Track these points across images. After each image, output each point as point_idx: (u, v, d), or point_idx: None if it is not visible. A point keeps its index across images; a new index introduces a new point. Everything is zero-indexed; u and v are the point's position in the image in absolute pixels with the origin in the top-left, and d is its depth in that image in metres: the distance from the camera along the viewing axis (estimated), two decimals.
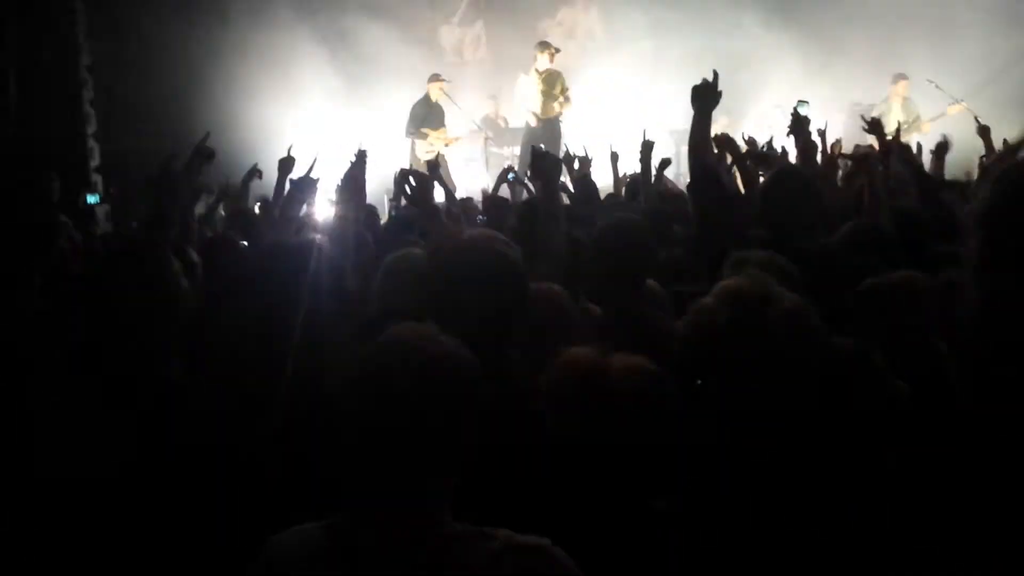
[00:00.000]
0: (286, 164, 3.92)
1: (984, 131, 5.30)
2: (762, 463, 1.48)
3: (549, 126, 9.92)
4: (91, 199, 8.67)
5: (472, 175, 10.82)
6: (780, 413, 1.47)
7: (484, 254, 2.00)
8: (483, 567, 1.35)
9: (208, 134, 3.56)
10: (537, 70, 10.01)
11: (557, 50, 10.17)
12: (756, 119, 11.38)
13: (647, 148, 4.75)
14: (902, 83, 9.99)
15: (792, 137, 4.23)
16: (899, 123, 9.52)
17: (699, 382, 1.56)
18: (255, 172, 4.88)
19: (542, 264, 2.76)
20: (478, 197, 6.38)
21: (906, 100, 10.03)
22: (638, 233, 2.88)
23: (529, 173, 3.62)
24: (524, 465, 1.72)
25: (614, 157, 5.80)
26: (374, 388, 1.39)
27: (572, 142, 10.45)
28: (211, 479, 1.90)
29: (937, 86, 9.68)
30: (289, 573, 1.40)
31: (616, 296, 2.80)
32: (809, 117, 4.36)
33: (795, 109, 4.37)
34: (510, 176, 5.90)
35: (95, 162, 10.44)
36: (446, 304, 1.92)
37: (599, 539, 1.55)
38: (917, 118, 9.88)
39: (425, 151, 10.02)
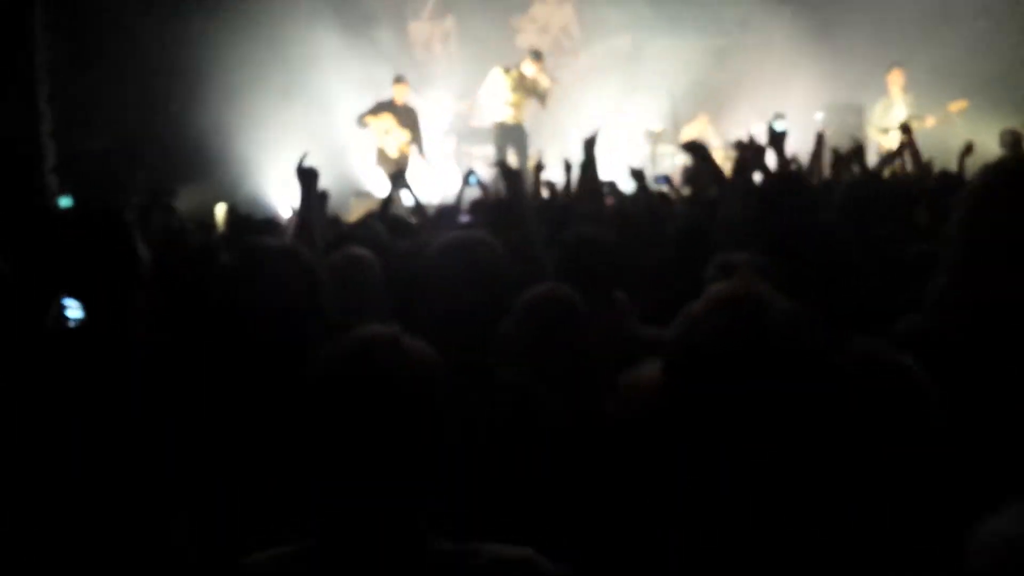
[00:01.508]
0: (309, 175, 3.67)
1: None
2: (759, 469, 1.41)
3: (518, 128, 9.74)
4: (64, 201, 8.35)
5: (444, 173, 10.60)
6: (776, 420, 1.41)
7: (469, 253, 2.07)
8: None
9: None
10: (522, 73, 9.74)
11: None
12: (732, 116, 11.26)
13: (590, 144, 4.55)
14: (896, 72, 9.73)
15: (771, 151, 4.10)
16: (909, 116, 9.47)
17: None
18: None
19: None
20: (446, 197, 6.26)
21: (905, 90, 9.82)
22: (601, 247, 2.84)
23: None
24: (520, 464, 1.78)
25: (567, 166, 5.61)
26: (336, 393, 1.33)
27: (543, 143, 10.37)
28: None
29: (920, 87, 9.61)
30: None
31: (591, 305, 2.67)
32: (786, 132, 4.16)
33: (771, 125, 4.19)
34: (471, 179, 5.73)
35: (51, 162, 10.10)
36: (431, 304, 2.04)
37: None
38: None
39: (378, 136, 9.77)
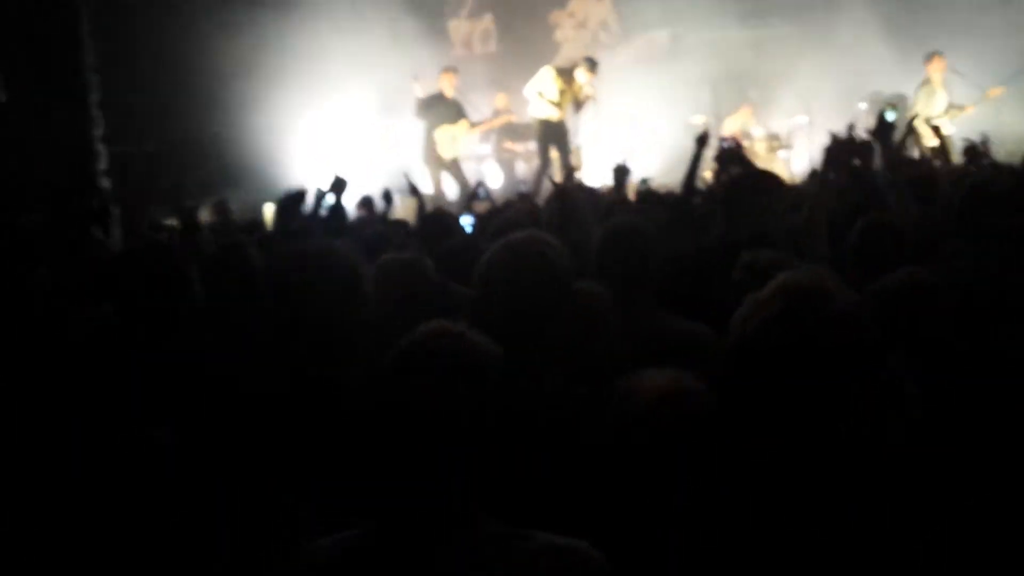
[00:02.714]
0: (340, 185, 4.06)
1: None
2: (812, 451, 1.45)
3: (560, 125, 9.74)
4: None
5: (484, 171, 10.65)
6: (825, 410, 1.44)
7: (525, 255, 2.06)
8: (521, 567, 1.36)
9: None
10: (574, 77, 9.73)
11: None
12: (775, 107, 11.17)
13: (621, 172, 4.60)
14: (937, 60, 9.55)
15: (878, 142, 3.93)
16: (949, 105, 9.33)
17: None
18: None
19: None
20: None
21: (946, 79, 9.65)
22: (639, 238, 2.80)
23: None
24: (553, 464, 1.79)
25: (623, 171, 5.60)
26: (400, 384, 1.40)
27: (587, 139, 10.36)
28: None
29: (962, 75, 9.46)
30: None
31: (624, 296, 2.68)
32: (895, 123, 4.03)
33: (882, 113, 4.05)
34: (481, 192, 5.87)
35: (102, 165, 10.33)
36: (486, 303, 2.05)
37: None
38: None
39: (445, 147, 9.85)
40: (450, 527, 1.38)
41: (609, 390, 1.82)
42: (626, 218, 3.00)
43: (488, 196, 6.09)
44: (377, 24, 10.68)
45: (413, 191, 5.45)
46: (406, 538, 1.39)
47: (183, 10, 10.21)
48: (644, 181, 7.30)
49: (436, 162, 9.88)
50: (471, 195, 5.97)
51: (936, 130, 5.96)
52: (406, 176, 5.97)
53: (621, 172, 5.06)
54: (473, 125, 10.18)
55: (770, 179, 3.26)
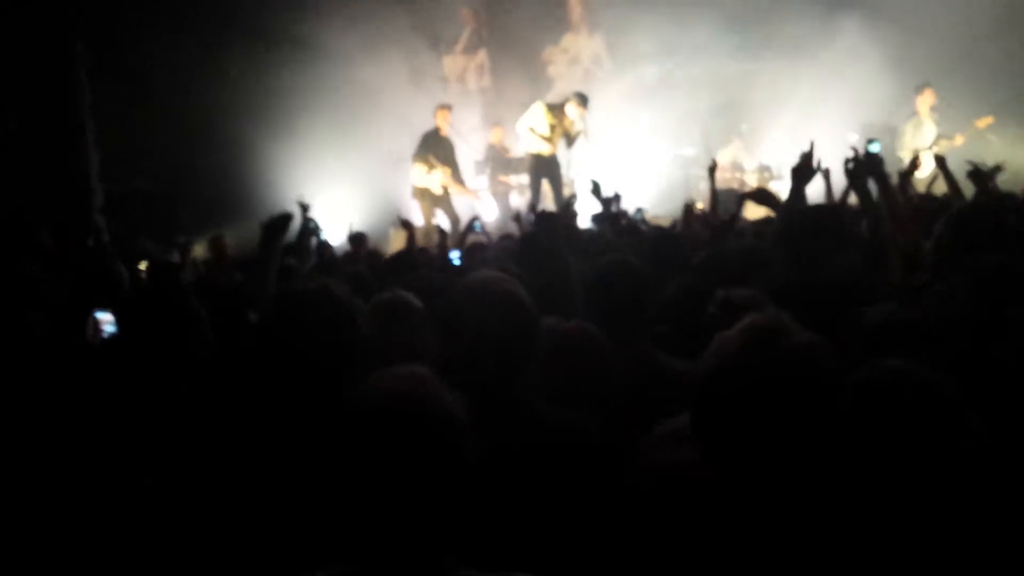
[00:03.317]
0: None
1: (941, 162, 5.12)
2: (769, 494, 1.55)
3: (552, 159, 9.84)
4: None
5: (477, 205, 10.73)
6: (788, 441, 1.53)
7: (492, 293, 2.10)
8: None
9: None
10: (564, 112, 9.84)
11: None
12: (765, 139, 11.28)
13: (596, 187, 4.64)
14: (928, 92, 9.73)
15: (872, 180, 3.68)
16: (938, 136, 9.43)
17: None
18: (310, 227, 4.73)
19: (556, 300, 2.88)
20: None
21: (933, 111, 9.80)
22: (633, 274, 2.80)
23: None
24: (536, 496, 1.81)
25: (616, 197, 5.66)
26: (363, 433, 1.42)
27: (582, 173, 10.44)
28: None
29: (951, 106, 9.58)
30: None
31: (618, 336, 2.69)
32: (882, 156, 3.85)
33: (867, 150, 3.93)
34: (476, 226, 5.94)
35: (99, 202, 10.40)
36: (458, 343, 2.07)
37: None
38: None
39: (419, 178, 9.95)
40: (422, 572, 1.40)
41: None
42: (619, 256, 2.97)
43: (482, 230, 6.18)
44: (374, 60, 10.81)
45: (404, 224, 5.53)
46: None
47: (180, 47, 10.32)
48: (639, 211, 7.35)
49: (427, 197, 9.97)
50: (466, 229, 6.04)
51: (939, 161, 5.95)
52: (397, 211, 6.07)
53: (608, 200, 5.09)
54: (454, 180, 10.21)
55: (830, 216, 3.13)
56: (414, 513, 1.40)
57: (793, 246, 2.97)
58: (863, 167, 3.48)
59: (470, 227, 5.94)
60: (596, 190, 4.70)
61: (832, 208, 3.45)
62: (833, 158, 4.00)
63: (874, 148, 4.09)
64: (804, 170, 3.50)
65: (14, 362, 2.68)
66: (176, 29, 10.25)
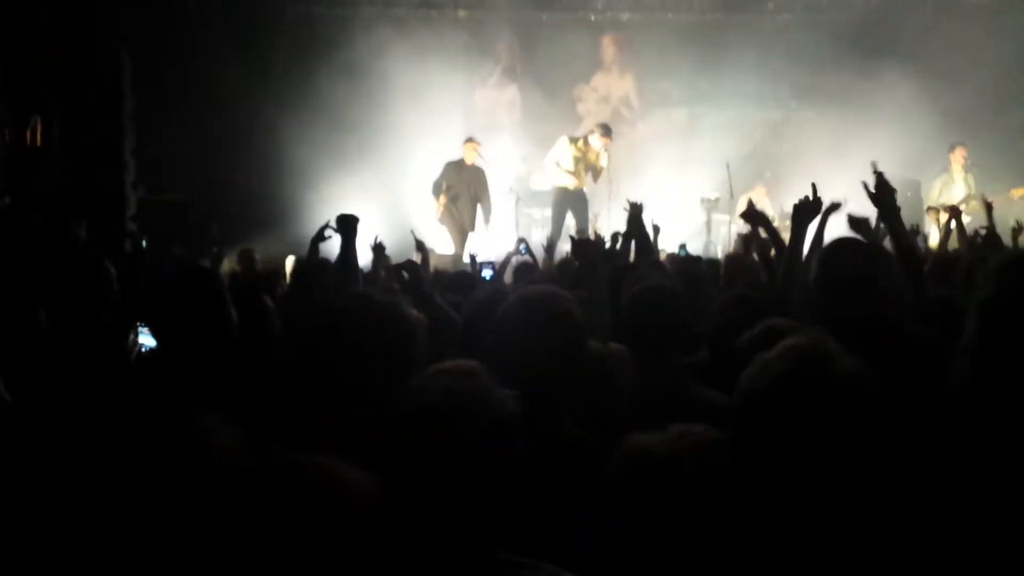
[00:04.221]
0: (348, 223, 4.06)
1: (989, 207, 5.21)
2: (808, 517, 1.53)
3: (579, 195, 9.96)
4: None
5: (503, 235, 10.86)
6: (830, 467, 1.51)
7: (545, 309, 2.11)
8: None
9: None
10: (587, 141, 10.01)
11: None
12: (788, 187, 11.38)
13: (636, 212, 4.67)
14: (959, 150, 9.85)
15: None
16: (967, 196, 9.54)
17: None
18: (324, 231, 4.84)
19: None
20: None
21: (966, 170, 9.90)
22: (671, 299, 2.85)
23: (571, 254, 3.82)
24: (569, 512, 1.81)
25: (655, 229, 5.69)
26: (420, 427, 1.47)
27: (599, 207, 10.56)
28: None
29: (980, 168, 9.68)
30: None
31: (650, 363, 2.76)
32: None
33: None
34: (522, 248, 6.01)
35: (131, 210, 10.60)
36: (506, 354, 2.05)
37: None
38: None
39: (454, 210, 10.11)
40: (462, 555, 1.47)
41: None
42: (656, 281, 3.02)
43: (528, 251, 6.23)
44: (405, 84, 11.01)
45: (419, 247, 5.59)
46: (424, 567, 1.45)
47: (216, 62, 10.55)
48: (683, 247, 7.37)
49: (454, 224, 10.10)
50: (513, 251, 6.11)
51: (954, 211, 6.07)
52: (412, 232, 6.11)
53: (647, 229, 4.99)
54: (481, 199, 10.34)
55: (875, 249, 3.04)
56: (470, 504, 1.47)
57: (837, 278, 2.86)
58: (885, 187, 3.42)
59: (516, 249, 6.02)
60: (637, 215, 4.66)
61: (874, 244, 3.45)
62: (855, 208, 4.05)
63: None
64: (805, 208, 3.56)
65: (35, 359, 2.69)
66: (217, 44, 10.49)
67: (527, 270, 5.38)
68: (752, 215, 4.18)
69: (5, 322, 2.75)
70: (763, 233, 4.22)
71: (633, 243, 4.66)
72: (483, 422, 1.49)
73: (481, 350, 2.69)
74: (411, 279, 3.65)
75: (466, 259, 9.72)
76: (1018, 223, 5.43)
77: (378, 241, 5.55)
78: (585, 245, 3.45)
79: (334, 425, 1.97)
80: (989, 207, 5.73)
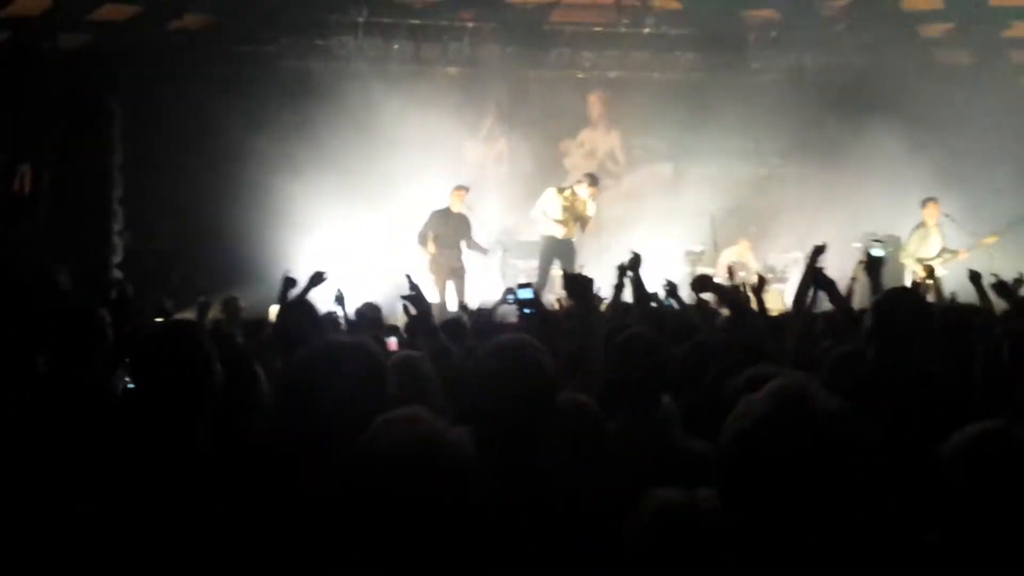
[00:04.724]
0: (316, 278, 4.89)
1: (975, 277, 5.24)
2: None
3: (567, 244, 10.01)
4: None
5: (488, 286, 10.90)
6: (816, 506, 1.51)
7: (515, 358, 2.14)
8: None
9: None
10: (574, 191, 10.11)
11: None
12: (772, 242, 11.53)
13: (635, 262, 4.75)
14: (932, 206, 10.03)
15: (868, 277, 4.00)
16: (942, 250, 9.69)
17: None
18: (321, 277, 5.06)
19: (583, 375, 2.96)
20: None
21: (940, 225, 10.07)
22: (652, 347, 2.88)
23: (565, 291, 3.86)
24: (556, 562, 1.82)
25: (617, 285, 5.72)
26: (376, 474, 1.47)
27: (585, 258, 10.63)
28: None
29: (954, 220, 9.87)
30: None
31: (632, 409, 2.78)
32: (885, 259, 4.11)
33: (868, 251, 4.14)
34: (509, 298, 5.96)
35: (118, 258, 10.61)
36: (478, 404, 2.11)
37: None
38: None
39: (441, 259, 10.16)
40: None
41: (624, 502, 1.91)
42: (639, 330, 3.05)
43: (516, 300, 6.17)
44: (396, 139, 11.12)
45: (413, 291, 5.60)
46: None
47: (207, 112, 10.63)
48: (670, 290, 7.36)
49: (440, 271, 10.14)
50: (500, 300, 6.08)
51: (929, 269, 6.19)
52: (408, 277, 6.11)
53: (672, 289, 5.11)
54: (468, 245, 10.44)
55: (918, 303, 3.16)
56: (429, 545, 1.45)
57: (886, 333, 2.92)
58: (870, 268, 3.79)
59: (503, 299, 5.95)
60: (635, 265, 4.72)
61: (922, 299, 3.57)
62: (836, 264, 4.20)
63: (876, 252, 4.26)
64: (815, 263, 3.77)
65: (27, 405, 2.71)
66: (209, 95, 10.57)
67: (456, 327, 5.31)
68: (702, 285, 4.35)
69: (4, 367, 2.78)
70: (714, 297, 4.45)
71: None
72: (443, 461, 1.48)
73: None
74: (418, 313, 3.73)
75: (451, 307, 9.75)
76: (1000, 281, 5.43)
77: (339, 292, 5.68)
78: (577, 279, 3.46)
79: (313, 473, 1.98)
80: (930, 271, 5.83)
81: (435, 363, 3.09)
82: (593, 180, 10.14)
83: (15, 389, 2.72)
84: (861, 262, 3.99)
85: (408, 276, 4.42)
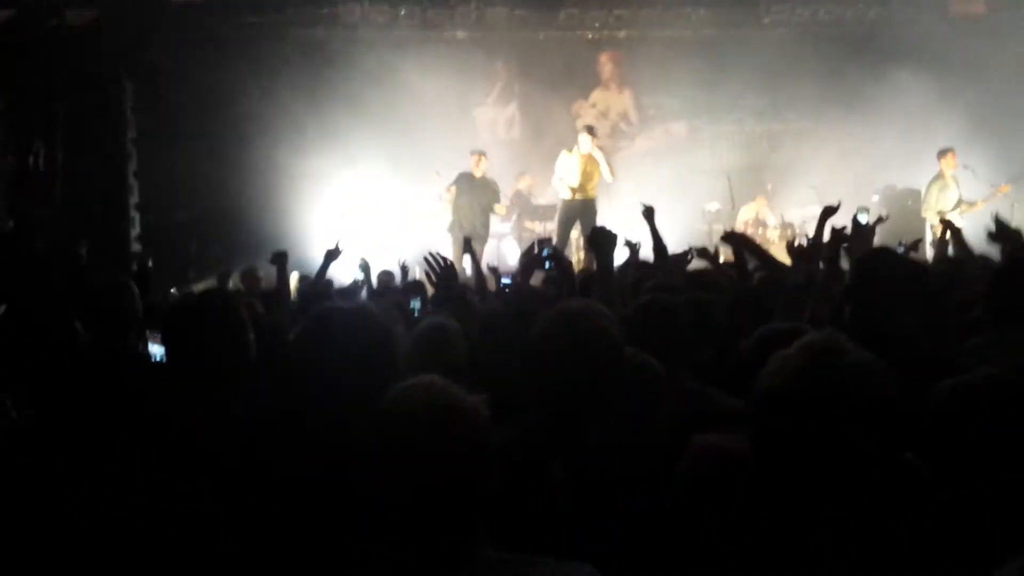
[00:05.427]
0: (332, 254, 4.94)
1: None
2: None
3: (587, 204, 9.96)
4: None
5: (505, 250, 10.91)
6: (844, 455, 1.54)
7: (580, 326, 2.07)
8: None
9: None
10: (580, 152, 10.08)
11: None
12: (789, 197, 11.46)
13: (649, 213, 4.80)
14: (949, 156, 9.89)
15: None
16: (959, 200, 9.63)
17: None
18: (336, 252, 5.10)
19: None
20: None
21: (957, 175, 9.96)
22: (673, 313, 2.84)
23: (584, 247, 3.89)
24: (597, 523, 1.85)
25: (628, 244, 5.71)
26: (395, 434, 1.47)
27: (607, 220, 10.60)
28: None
29: (973, 171, 9.78)
30: None
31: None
32: (870, 224, 4.24)
33: (855, 217, 4.30)
34: (545, 251, 5.89)
35: (136, 231, 10.67)
36: (540, 365, 2.06)
37: None
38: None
39: (463, 217, 10.18)
40: (452, 553, 1.45)
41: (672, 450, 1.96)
42: (659, 295, 3.01)
43: (552, 254, 6.14)
44: (406, 104, 11.09)
45: (467, 246, 5.77)
46: (413, 565, 1.46)
47: (218, 83, 10.62)
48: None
49: (459, 234, 10.14)
50: (527, 254, 6.06)
51: (946, 223, 6.14)
52: (401, 264, 6.21)
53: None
54: (492, 208, 10.47)
55: (907, 265, 3.10)
56: (448, 505, 1.46)
57: (870, 292, 2.90)
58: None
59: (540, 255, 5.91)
60: (649, 216, 4.77)
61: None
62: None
63: (862, 218, 4.43)
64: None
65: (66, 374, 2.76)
66: (221, 66, 10.55)
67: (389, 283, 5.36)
68: (732, 239, 4.40)
69: (42, 337, 2.81)
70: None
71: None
72: (461, 425, 1.49)
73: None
74: (443, 274, 3.70)
75: (467, 269, 9.76)
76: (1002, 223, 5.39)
77: (364, 261, 5.74)
78: (603, 232, 3.47)
79: (330, 431, 1.99)
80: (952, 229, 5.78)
81: (462, 326, 3.10)
82: (590, 129, 10.08)
83: (61, 357, 2.74)
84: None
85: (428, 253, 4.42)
